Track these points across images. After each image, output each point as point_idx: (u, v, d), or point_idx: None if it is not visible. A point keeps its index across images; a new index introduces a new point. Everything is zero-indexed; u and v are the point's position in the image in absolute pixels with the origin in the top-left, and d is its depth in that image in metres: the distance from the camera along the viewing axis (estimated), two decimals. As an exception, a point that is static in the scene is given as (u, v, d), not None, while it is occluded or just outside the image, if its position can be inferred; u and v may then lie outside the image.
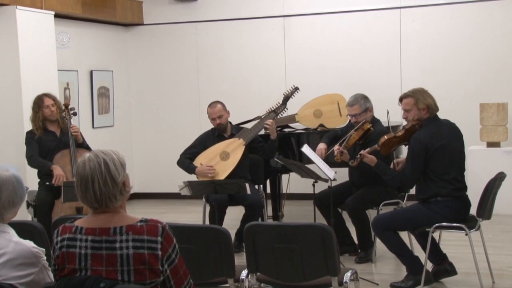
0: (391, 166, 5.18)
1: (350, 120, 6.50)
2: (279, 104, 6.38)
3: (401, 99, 5.01)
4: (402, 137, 5.04)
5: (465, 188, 4.93)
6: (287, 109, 6.47)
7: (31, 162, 6.00)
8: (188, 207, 8.46)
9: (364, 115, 5.72)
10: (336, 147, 5.57)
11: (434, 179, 4.84)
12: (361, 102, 5.75)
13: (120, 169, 2.53)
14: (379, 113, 5.91)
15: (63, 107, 6.10)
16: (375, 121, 5.82)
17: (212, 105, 6.30)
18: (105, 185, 2.48)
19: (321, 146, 6.03)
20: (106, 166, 2.49)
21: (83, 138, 6.14)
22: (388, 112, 5.53)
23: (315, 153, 5.85)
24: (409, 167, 4.90)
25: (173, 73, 9.39)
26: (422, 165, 4.83)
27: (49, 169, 5.87)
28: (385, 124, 5.72)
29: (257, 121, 6.35)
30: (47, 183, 5.87)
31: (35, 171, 6.14)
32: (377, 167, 5.14)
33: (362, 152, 5.19)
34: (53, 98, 6.10)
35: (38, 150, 5.99)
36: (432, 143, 4.79)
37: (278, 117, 6.45)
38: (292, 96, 6.50)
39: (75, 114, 6.18)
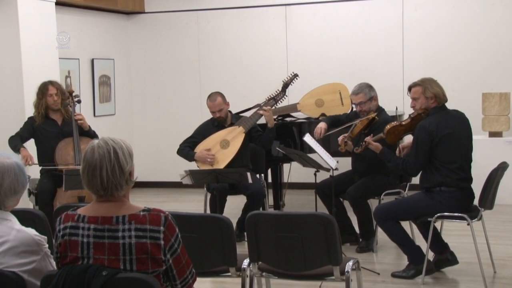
0: (397, 151, 5.17)
1: (352, 108, 6.50)
2: (278, 91, 6.36)
3: (409, 88, 5.00)
4: (408, 126, 5.02)
5: (470, 179, 4.92)
6: (286, 96, 6.44)
7: (9, 141, 5.99)
8: (190, 196, 8.47)
9: (369, 103, 5.70)
10: (340, 138, 5.55)
11: (439, 168, 4.82)
12: (366, 90, 5.73)
13: (128, 158, 2.52)
14: (381, 102, 5.89)
15: (68, 95, 6.08)
16: (380, 110, 5.79)
17: (211, 97, 6.22)
18: (112, 173, 2.47)
19: (321, 125, 6.03)
20: (115, 154, 2.48)
21: (89, 126, 6.12)
22: (396, 108, 5.53)
23: (314, 130, 5.88)
24: (413, 155, 4.88)
25: (174, 62, 9.36)
26: (427, 153, 4.82)
27: (18, 151, 5.84)
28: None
29: (256, 108, 6.33)
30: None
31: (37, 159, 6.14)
32: (382, 154, 5.13)
33: (367, 139, 5.17)
34: (58, 87, 6.06)
35: (27, 135, 6.02)
36: (438, 131, 4.77)
37: (278, 104, 6.41)
38: (292, 83, 6.47)
39: (79, 101, 6.17)
